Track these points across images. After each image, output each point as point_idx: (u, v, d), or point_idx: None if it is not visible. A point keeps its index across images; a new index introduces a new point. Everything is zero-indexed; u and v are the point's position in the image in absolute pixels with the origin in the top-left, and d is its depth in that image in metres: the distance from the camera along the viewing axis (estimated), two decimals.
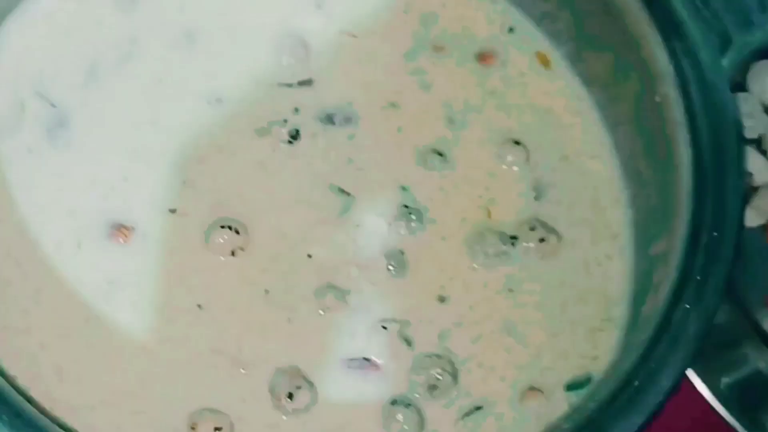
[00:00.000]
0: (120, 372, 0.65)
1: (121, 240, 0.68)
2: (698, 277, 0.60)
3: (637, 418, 0.56)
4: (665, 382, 0.57)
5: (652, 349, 0.58)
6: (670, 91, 0.67)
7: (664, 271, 0.63)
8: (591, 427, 0.57)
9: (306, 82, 0.75)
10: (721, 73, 0.67)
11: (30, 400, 0.59)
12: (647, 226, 0.70)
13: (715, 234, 0.61)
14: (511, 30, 0.78)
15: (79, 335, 0.66)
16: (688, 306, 0.59)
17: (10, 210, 0.69)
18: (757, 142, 0.80)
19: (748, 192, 0.76)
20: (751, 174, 0.77)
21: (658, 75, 0.68)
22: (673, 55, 0.67)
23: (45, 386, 0.63)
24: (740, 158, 0.65)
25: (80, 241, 0.68)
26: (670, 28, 0.68)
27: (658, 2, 0.69)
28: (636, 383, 0.57)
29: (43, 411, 0.59)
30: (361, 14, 0.78)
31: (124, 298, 0.67)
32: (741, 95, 0.80)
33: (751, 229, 0.76)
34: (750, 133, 0.80)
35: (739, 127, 0.66)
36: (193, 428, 0.63)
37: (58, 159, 0.71)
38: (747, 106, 0.80)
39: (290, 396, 0.65)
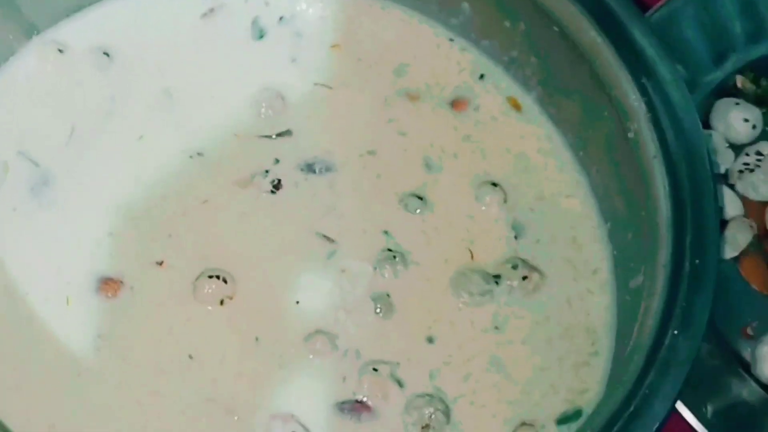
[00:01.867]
0: (114, 427, 0.65)
1: (109, 294, 0.69)
2: (684, 304, 0.61)
3: None
4: (659, 407, 0.58)
5: (644, 377, 0.59)
6: (642, 127, 0.69)
7: (648, 301, 0.64)
8: None
9: (285, 133, 0.76)
10: (691, 108, 0.69)
11: None
12: (626, 260, 0.71)
13: (697, 261, 0.63)
14: (481, 77, 0.80)
15: (71, 391, 0.66)
16: (676, 332, 0.61)
17: None
18: (725, 177, 0.82)
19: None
20: (721, 208, 0.79)
21: (630, 112, 0.70)
22: (643, 92, 0.69)
23: None
24: (715, 186, 0.66)
25: (68, 297, 0.69)
26: (639, 67, 0.70)
27: (626, 43, 0.71)
28: (630, 410, 0.58)
29: None
30: (335, 67, 0.80)
31: (114, 351, 0.67)
32: (705, 133, 0.83)
33: (725, 261, 0.78)
34: (717, 169, 0.82)
35: (711, 156, 0.67)
36: None
37: (43, 217, 0.72)
38: (712, 143, 0.83)
39: None
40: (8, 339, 0.67)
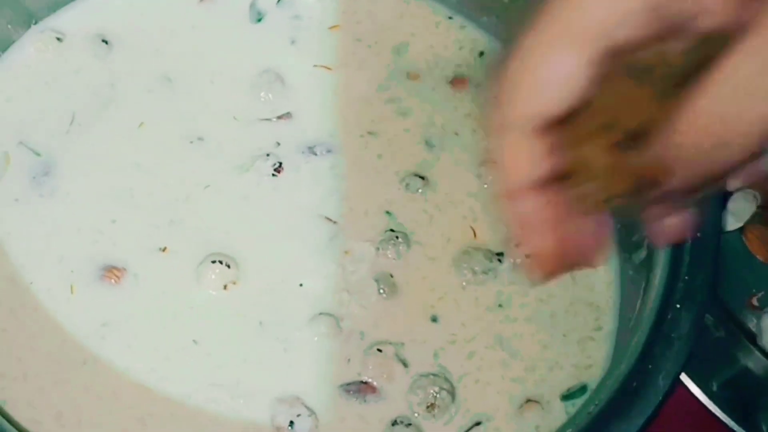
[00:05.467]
0: (120, 413, 0.66)
1: (112, 282, 0.69)
2: (686, 277, 0.61)
3: (638, 419, 0.57)
4: (662, 381, 0.58)
5: (648, 351, 0.59)
6: None
7: (651, 275, 0.64)
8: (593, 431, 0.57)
9: (285, 116, 0.76)
10: None
11: None
12: (631, 234, 0.71)
13: (699, 234, 0.62)
14: (481, 54, 0.80)
15: (77, 379, 0.66)
16: (678, 306, 0.60)
17: (0, 259, 0.69)
18: None
19: (724, 197, 0.78)
20: None
21: None
22: None
23: None
24: None
25: (72, 286, 0.69)
26: None
27: None
28: (634, 385, 0.58)
29: None
30: (334, 48, 0.79)
31: (119, 339, 0.68)
32: None
33: (729, 233, 0.78)
34: None
35: None
36: None
37: (45, 206, 0.72)
38: None
39: (291, 424, 0.65)
40: (13, 329, 0.67)
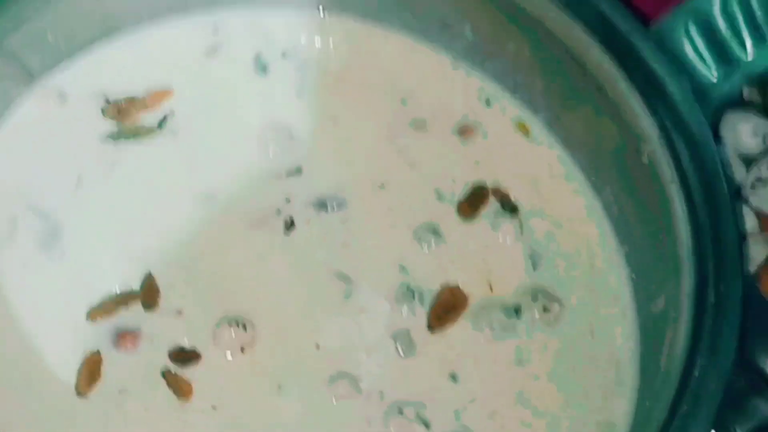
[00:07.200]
0: None
1: (128, 346, 0.68)
2: (711, 333, 0.61)
3: None
4: None
5: (675, 410, 0.59)
6: (656, 150, 0.68)
7: (673, 329, 0.63)
8: None
9: (295, 171, 0.75)
10: (704, 127, 0.68)
11: None
12: (646, 284, 0.70)
13: (722, 288, 0.62)
14: (488, 102, 0.79)
15: None
16: (704, 363, 0.60)
17: (11, 326, 0.68)
18: (737, 191, 0.81)
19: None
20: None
21: (642, 135, 0.69)
22: (655, 113, 0.68)
23: None
24: (734, 210, 0.65)
25: (86, 352, 0.68)
26: (648, 86, 0.69)
27: (634, 62, 0.70)
28: None
29: None
30: (341, 98, 0.79)
31: (137, 406, 0.67)
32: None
33: (745, 277, 0.77)
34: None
35: (728, 178, 0.67)
36: None
37: (55, 270, 0.71)
38: (722, 156, 0.82)
39: None
40: (27, 402, 0.66)
